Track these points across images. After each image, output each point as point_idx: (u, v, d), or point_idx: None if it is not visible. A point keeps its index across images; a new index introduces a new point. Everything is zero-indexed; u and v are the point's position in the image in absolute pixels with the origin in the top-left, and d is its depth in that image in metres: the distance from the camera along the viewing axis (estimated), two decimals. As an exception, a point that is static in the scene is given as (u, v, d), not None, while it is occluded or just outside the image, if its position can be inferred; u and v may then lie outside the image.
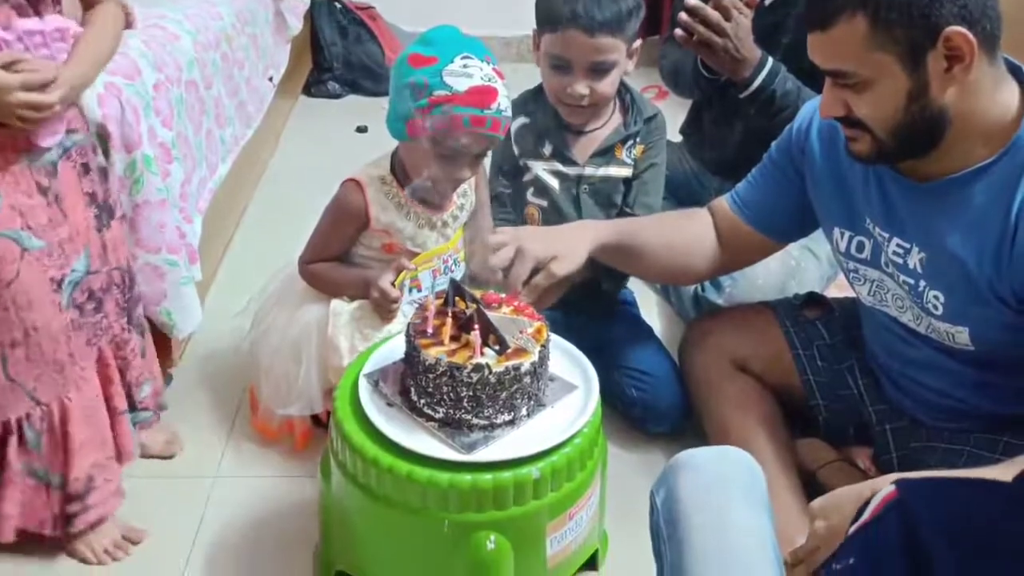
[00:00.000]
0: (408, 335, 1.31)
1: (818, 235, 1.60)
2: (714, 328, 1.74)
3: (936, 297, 1.32)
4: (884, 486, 1.04)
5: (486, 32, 2.14)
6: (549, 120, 1.71)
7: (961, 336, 1.33)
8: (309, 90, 3.43)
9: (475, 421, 1.26)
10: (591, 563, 1.47)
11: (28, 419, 1.39)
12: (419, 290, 1.60)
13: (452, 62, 1.41)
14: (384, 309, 1.55)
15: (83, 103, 1.46)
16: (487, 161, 1.65)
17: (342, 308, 1.58)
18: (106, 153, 1.55)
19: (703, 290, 1.95)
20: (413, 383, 1.29)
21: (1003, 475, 1.09)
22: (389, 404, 1.32)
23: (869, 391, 1.55)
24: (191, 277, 1.76)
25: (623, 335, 1.81)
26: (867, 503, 0.67)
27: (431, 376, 1.25)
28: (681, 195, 2.13)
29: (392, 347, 1.40)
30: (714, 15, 1.73)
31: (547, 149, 1.72)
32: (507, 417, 1.28)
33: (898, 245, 1.36)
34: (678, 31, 1.76)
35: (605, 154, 1.73)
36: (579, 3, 1.57)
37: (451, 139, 1.44)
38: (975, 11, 1.16)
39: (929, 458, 1.43)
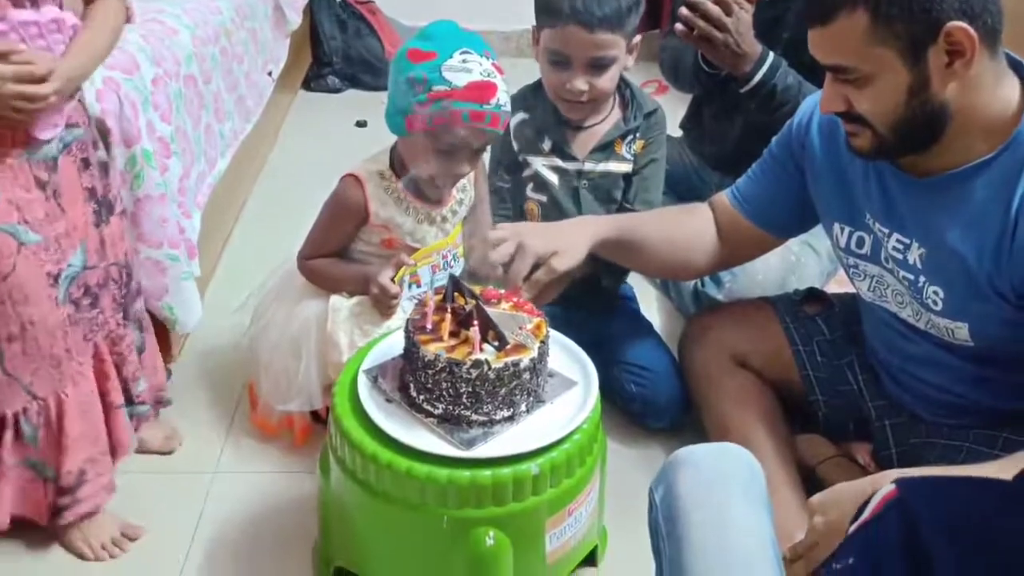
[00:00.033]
0: (407, 331, 1.30)
1: (818, 230, 1.60)
2: (714, 324, 1.73)
3: (936, 293, 1.32)
4: (884, 483, 1.05)
5: (485, 27, 2.13)
6: (548, 115, 1.71)
7: (961, 332, 1.33)
8: (308, 84, 3.43)
9: (474, 417, 1.26)
10: (590, 559, 1.47)
11: (25, 414, 1.39)
12: (418, 286, 1.60)
13: (451, 57, 1.41)
14: (383, 305, 1.55)
15: (84, 97, 1.45)
16: (486, 156, 1.64)
17: (341, 304, 1.58)
18: (107, 148, 1.54)
19: (703, 285, 1.94)
20: (412, 379, 1.29)
21: (1002, 472, 1.09)
22: (388, 400, 1.32)
23: (869, 387, 1.55)
24: (191, 272, 1.76)
25: (623, 330, 1.81)
26: (867, 502, 0.67)
27: (430, 372, 1.25)
28: (681, 190, 2.12)
29: (391, 343, 1.40)
30: (715, 10, 1.72)
31: (546, 144, 1.72)
32: (506, 413, 1.28)
33: (898, 240, 1.36)
34: (679, 26, 1.76)
35: (605, 149, 1.72)
36: None
37: (450, 134, 1.44)
38: (976, 6, 1.15)
39: (928, 454, 1.43)
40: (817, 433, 1.64)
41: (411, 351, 1.29)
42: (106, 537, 1.47)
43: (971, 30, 1.15)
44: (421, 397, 1.28)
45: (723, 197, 1.64)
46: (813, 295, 1.71)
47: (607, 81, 1.64)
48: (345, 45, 3.45)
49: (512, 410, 1.28)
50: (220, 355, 1.89)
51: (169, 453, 1.69)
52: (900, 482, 0.66)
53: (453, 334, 1.28)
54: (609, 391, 1.66)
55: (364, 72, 3.44)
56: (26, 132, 1.30)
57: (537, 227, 1.60)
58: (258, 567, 1.48)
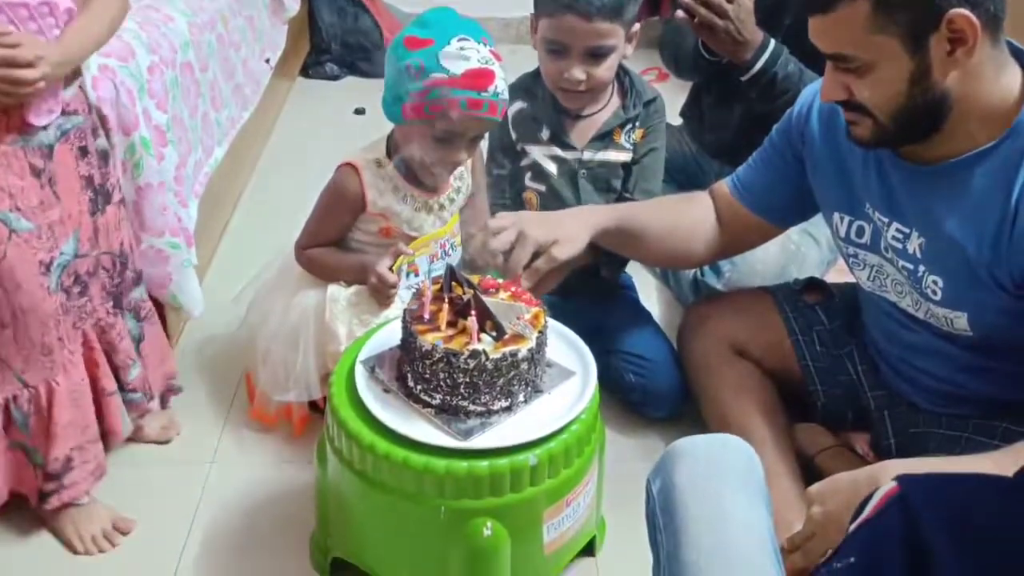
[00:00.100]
0: (405, 321, 1.30)
1: (818, 219, 1.60)
2: (713, 313, 1.73)
3: (935, 282, 1.32)
4: (882, 473, 1.05)
5: (484, 13, 2.12)
6: (547, 104, 1.70)
7: (959, 321, 1.32)
8: (307, 72, 3.41)
9: (472, 407, 1.26)
10: (589, 549, 1.47)
11: (15, 401, 1.39)
12: (416, 275, 1.60)
13: (449, 44, 1.40)
14: (382, 294, 1.54)
15: (85, 85, 1.44)
16: (484, 144, 1.64)
17: (339, 294, 1.58)
18: (107, 136, 1.53)
19: (702, 275, 1.94)
20: (410, 369, 1.29)
21: (1000, 463, 1.09)
22: (385, 390, 1.31)
23: (868, 376, 1.55)
24: (192, 260, 1.75)
25: (622, 320, 1.80)
26: (867, 500, 0.66)
27: (427, 362, 1.25)
28: (681, 179, 2.11)
29: (389, 333, 1.40)
30: (716, -3, 1.71)
31: (545, 134, 1.71)
32: (504, 403, 1.27)
33: (897, 230, 1.35)
34: (679, 13, 1.74)
35: (604, 138, 1.71)
36: None
37: (447, 122, 1.43)
38: (978, -8, 1.14)
39: (927, 443, 1.42)
40: (816, 423, 1.64)
41: (408, 341, 1.28)
42: (97, 529, 1.47)
43: (973, 17, 1.14)
44: (419, 387, 1.28)
45: (723, 186, 1.63)
46: (813, 284, 1.71)
47: (605, 70, 1.63)
48: (343, 32, 3.43)
49: (510, 400, 1.28)
50: (217, 345, 1.89)
51: (166, 443, 1.68)
52: (901, 479, 0.65)
53: (451, 324, 1.27)
54: (608, 380, 1.65)
55: (362, 59, 3.42)
56: (21, 118, 1.29)
57: (537, 216, 1.60)
58: (255, 557, 1.48)
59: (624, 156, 1.73)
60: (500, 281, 1.38)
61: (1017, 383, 1.35)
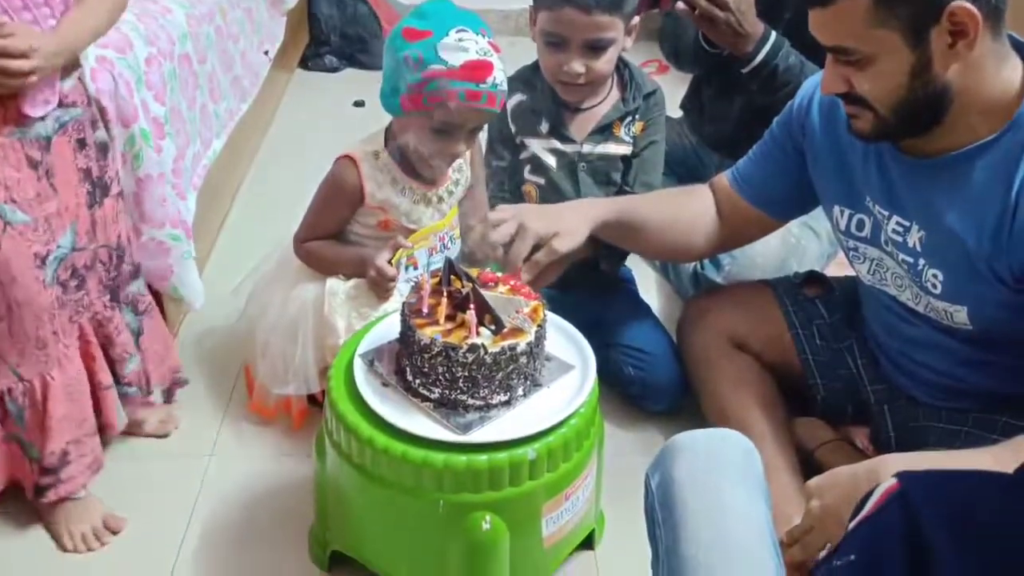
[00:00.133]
0: (403, 314, 1.29)
1: (818, 213, 1.59)
2: (712, 306, 1.73)
3: (935, 276, 1.31)
4: (881, 467, 1.05)
5: (483, 5, 2.10)
6: (546, 97, 1.69)
7: (959, 315, 1.32)
8: (306, 64, 3.39)
9: (471, 401, 1.26)
10: (588, 543, 1.47)
11: (10, 394, 1.39)
12: (415, 268, 1.59)
13: (447, 36, 1.39)
14: (380, 288, 1.54)
15: (84, 76, 1.43)
16: (482, 136, 1.63)
17: (338, 287, 1.57)
18: (106, 127, 1.52)
19: (702, 268, 1.94)
20: (408, 363, 1.28)
21: (1000, 456, 1.09)
22: (384, 384, 1.31)
23: (868, 370, 1.55)
24: (192, 251, 1.75)
25: (621, 313, 1.80)
26: (867, 497, 0.66)
27: (426, 356, 1.24)
28: (681, 171, 2.11)
29: (387, 326, 1.39)
30: (716, -11, 1.70)
31: (544, 127, 1.70)
32: (503, 397, 1.27)
33: (898, 223, 1.35)
34: (680, 4, 1.74)
35: (603, 131, 1.70)
36: None
37: (446, 114, 1.42)
38: (980, -15, 1.14)
39: (927, 438, 1.42)
40: (815, 417, 1.64)
41: (407, 335, 1.28)
42: (87, 527, 1.46)
43: (974, 10, 1.13)
44: (417, 381, 1.27)
45: (723, 179, 1.63)
46: (813, 278, 1.70)
47: (605, 63, 1.62)
48: (342, 24, 3.41)
49: (509, 394, 1.27)
50: (216, 337, 1.88)
51: (165, 436, 1.68)
52: (901, 475, 0.65)
53: (449, 318, 1.27)
54: (607, 374, 1.65)
55: (362, 51, 3.40)
56: (17, 109, 1.28)
57: (537, 208, 1.59)
58: (254, 550, 1.47)
59: (624, 149, 1.72)
60: (499, 275, 1.38)
61: (1017, 377, 1.35)
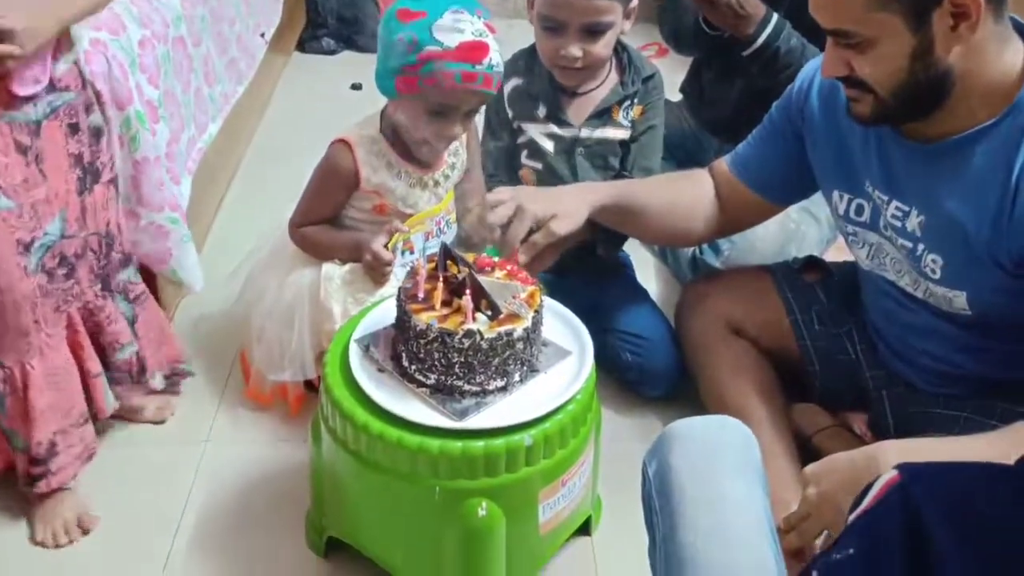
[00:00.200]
0: (399, 300, 1.28)
1: (818, 197, 1.58)
2: (711, 291, 1.72)
3: (934, 261, 1.31)
4: (878, 453, 1.05)
5: (481, -13, 2.08)
6: (543, 81, 1.67)
7: (958, 300, 1.31)
8: (302, 46, 3.37)
9: (467, 387, 1.25)
10: (585, 529, 1.47)
11: None
12: (411, 252, 1.58)
13: (442, 17, 1.38)
14: (377, 272, 1.53)
15: (80, 60, 1.41)
16: (479, 119, 1.62)
17: (334, 272, 1.56)
18: (102, 111, 1.50)
19: (701, 253, 1.93)
20: (404, 349, 1.27)
21: (996, 443, 1.09)
22: (380, 370, 1.30)
23: (866, 356, 1.54)
24: (190, 234, 1.74)
25: (618, 298, 1.79)
26: (868, 489, 0.65)
27: (422, 342, 1.24)
28: (680, 155, 2.10)
29: (383, 311, 1.38)
30: (718, -30, 1.68)
31: (541, 111, 1.68)
32: (500, 383, 1.26)
33: (897, 208, 1.34)
34: (680, -15, 1.72)
35: (601, 116, 1.69)
36: None
37: (442, 96, 1.41)
38: (983, -33, 1.12)
39: (926, 424, 1.42)
40: (814, 403, 1.63)
41: (403, 320, 1.27)
42: (59, 522, 1.44)
43: (977, -8, 1.12)
44: (413, 367, 1.27)
45: (722, 163, 1.62)
46: (812, 263, 1.70)
47: (602, 47, 1.60)
48: (339, 6, 3.39)
49: (505, 380, 1.26)
50: (212, 322, 1.87)
51: (161, 423, 1.67)
52: (902, 468, 0.64)
53: (445, 303, 1.26)
54: (605, 359, 1.64)
55: (359, 33, 3.38)
56: (8, 92, 1.26)
57: (536, 191, 1.58)
58: (251, 536, 1.47)
59: (622, 133, 1.70)
60: (496, 260, 1.37)
61: (1016, 363, 1.35)
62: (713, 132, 2.10)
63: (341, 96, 2.96)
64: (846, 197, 1.43)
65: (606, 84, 1.69)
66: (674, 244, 1.95)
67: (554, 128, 1.69)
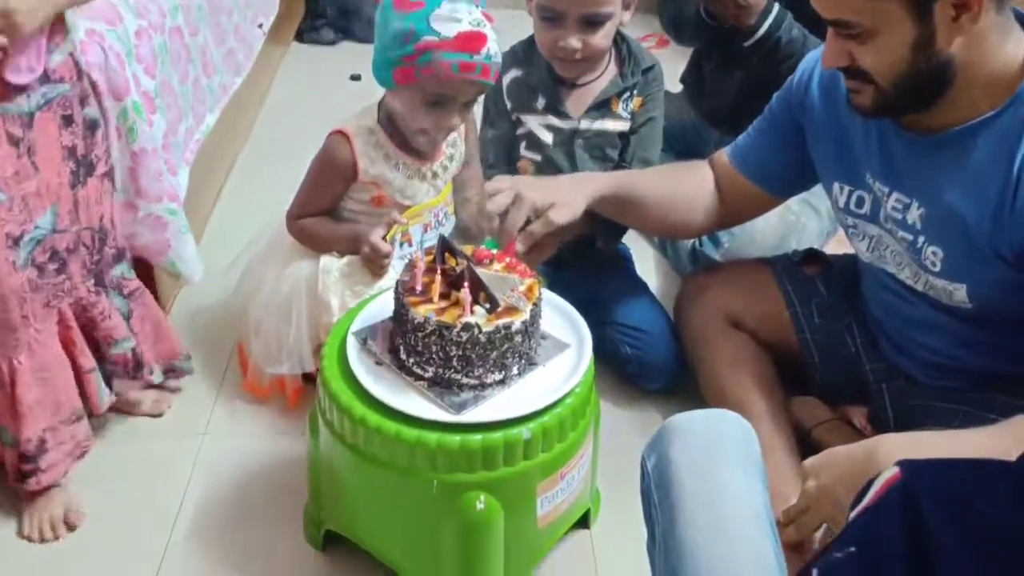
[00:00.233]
0: (397, 292, 1.28)
1: (818, 190, 1.58)
2: (711, 284, 1.71)
3: (934, 253, 1.30)
4: (877, 446, 1.04)
5: (480, -23, 2.07)
6: (542, 73, 1.66)
7: (959, 293, 1.31)
8: (301, 37, 3.36)
9: (465, 381, 1.24)
10: (583, 522, 1.46)
11: None
12: (410, 244, 1.58)
13: (439, 6, 1.37)
14: (375, 264, 1.52)
15: (76, 51, 1.40)
16: (477, 110, 1.61)
17: (332, 264, 1.56)
18: (99, 102, 1.48)
19: (700, 245, 1.92)
20: (402, 342, 1.27)
21: (995, 437, 1.08)
22: (377, 363, 1.30)
23: (867, 349, 1.53)
24: (188, 225, 1.73)
25: (617, 291, 1.78)
26: (868, 487, 0.65)
27: (420, 335, 1.23)
28: (680, 146, 2.09)
29: (381, 304, 1.38)
30: (718, -40, 1.67)
31: (540, 103, 1.68)
32: (498, 376, 1.26)
33: (897, 200, 1.33)
34: (680, -24, 1.71)
35: (600, 108, 1.68)
36: None
37: (440, 86, 1.40)
38: (985, -44, 1.11)
39: (925, 417, 1.41)
40: (813, 396, 1.63)
41: (400, 313, 1.26)
42: (46, 517, 1.43)
43: (979, -18, 1.11)
44: (411, 360, 1.26)
45: (723, 155, 1.61)
46: (812, 255, 1.69)
47: (602, 38, 1.59)
48: (339, -4, 3.37)
49: (504, 373, 1.26)
50: (210, 314, 1.87)
51: (159, 416, 1.67)
52: (904, 465, 0.63)
53: (443, 296, 1.25)
54: (603, 352, 1.63)
55: (358, 24, 3.36)
56: (1, 81, 1.24)
57: (535, 180, 1.58)
58: (248, 530, 1.47)
59: (621, 125, 1.69)
60: (494, 252, 1.36)
61: (1016, 357, 1.34)
62: (713, 123, 2.09)
63: (340, 87, 2.94)
64: (846, 189, 1.42)
65: (605, 75, 1.68)
66: (674, 235, 1.94)
67: (553, 120, 1.68)
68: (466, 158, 1.64)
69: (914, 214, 1.31)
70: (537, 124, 1.68)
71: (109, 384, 1.51)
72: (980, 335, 1.35)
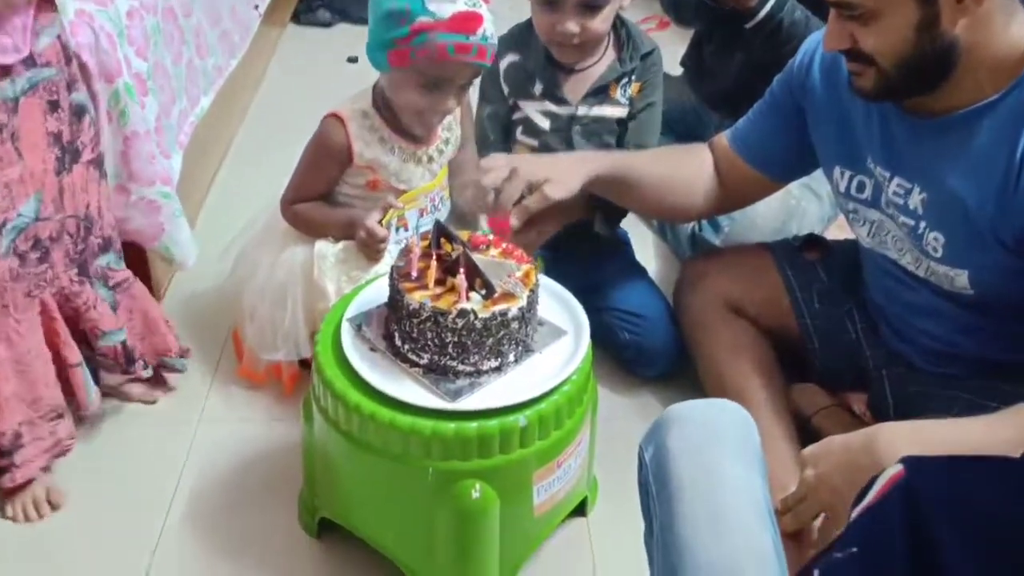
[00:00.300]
0: (392, 278, 1.26)
1: (819, 174, 1.56)
2: (710, 269, 1.70)
3: (936, 239, 1.29)
4: (876, 435, 1.03)
5: (478, -42, 2.04)
6: (540, 58, 1.64)
7: (960, 279, 1.30)
8: (298, 18, 3.33)
9: (460, 367, 1.23)
10: (580, 510, 1.45)
11: None
12: (405, 229, 1.56)
13: None
14: (371, 249, 1.51)
15: (65, 35, 1.37)
16: (473, 94, 1.59)
17: (327, 250, 1.54)
18: (88, 85, 1.46)
19: (700, 230, 1.91)
20: (397, 328, 1.25)
21: (994, 425, 1.07)
22: (372, 349, 1.28)
23: (867, 335, 1.52)
24: (182, 209, 1.71)
25: (615, 276, 1.77)
26: (871, 484, 0.63)
27: (415, 321, 1.22)
28: (680, 130, 2.07)
29: (376, 290, 1.36)
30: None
31: (537, 88, 1.65)
32: (494, 363, 1.24)
33: (899, 185, 1.32)
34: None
35: (598, 94, 1.66)
36: None
37: (435, 68, 1.38)
38: (990, -64, 1.09)
39: (925, 404, 1.40)
40: (813, 382, 1.62)
41: (395, 299, 1.25)
42: (28, 499, 1.42)
43: (984, -38, 1.09)
44: (406, 347, 1.25)
45: (722, 138, 1.60)
46: (812, 241, 1.68)
47: (600, 23, 1.57)
48: (336, -23, 3.34)
49: (500, 360, 1.25)
50: (205, 300, 1.85)
51: (153, 402, 1.65)
52: (907, 463, 0.62)
53: (439, 282, 1.24)
54: (601, 338, 1.61)
55: (355, 5, 3.33)
56: None
57: (532, 157, 1.57)
58: (244, 516, 1.46)
59: (620, 111, 1.67)
60: (490, 237, 1.34)
61: (1017, 344, 1.33)
62: (713, 106, 2.07)
63: (337, 70, 2.91)
64: (847, 174, 1.41)
65: (604, 60, 1.66)
66: (673, 218, 1.93)
67: (550, 106, 1.65)
68: (462, 141, 1.62)
69: (916, 199, 1.30)
70: (534, 110, 1.66)
71: (97, 381, 1.49)
72: (981, 322, 1.34)
